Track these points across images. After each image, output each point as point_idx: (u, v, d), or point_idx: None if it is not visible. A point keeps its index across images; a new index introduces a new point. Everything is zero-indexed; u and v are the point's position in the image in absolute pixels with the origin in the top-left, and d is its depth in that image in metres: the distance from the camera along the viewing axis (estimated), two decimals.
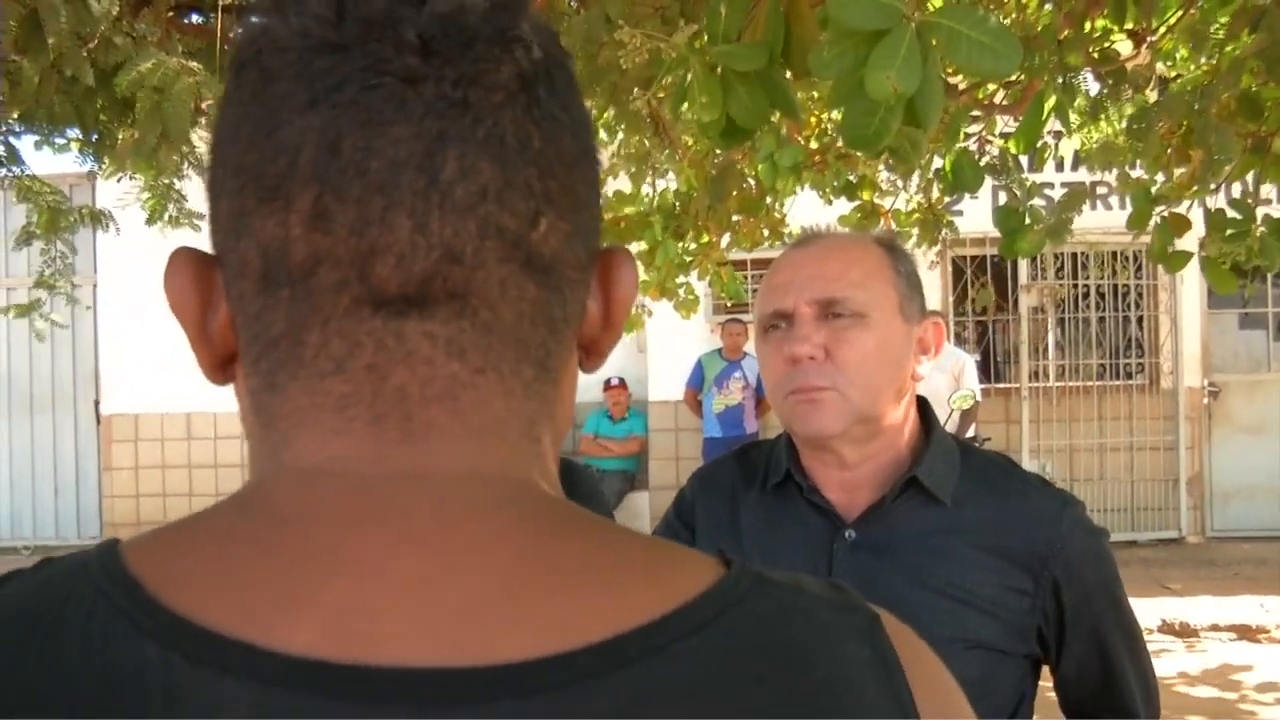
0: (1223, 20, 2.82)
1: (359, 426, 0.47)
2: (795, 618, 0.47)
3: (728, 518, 1.38)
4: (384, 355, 0.46)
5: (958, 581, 1.23)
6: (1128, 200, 3.09)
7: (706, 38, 1.46)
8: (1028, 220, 2.97)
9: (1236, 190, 3.63)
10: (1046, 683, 1.31)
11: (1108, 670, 1.28)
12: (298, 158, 0.45)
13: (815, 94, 3.60)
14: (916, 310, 1.30)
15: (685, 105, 1.42)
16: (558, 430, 0.52)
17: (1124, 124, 3.13)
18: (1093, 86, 3.22)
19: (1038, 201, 3.28)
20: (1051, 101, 2.57)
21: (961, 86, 3.27)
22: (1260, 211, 2.80)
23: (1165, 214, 2.96)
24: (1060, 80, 2.56)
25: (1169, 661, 5.63)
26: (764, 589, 0.48)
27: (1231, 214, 2.74)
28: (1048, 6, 2.97)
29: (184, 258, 0.51)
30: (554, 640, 0.42)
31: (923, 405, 1.35)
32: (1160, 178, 3.29)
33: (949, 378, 7.25)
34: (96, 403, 9.55)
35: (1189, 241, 3.00)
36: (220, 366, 0.52)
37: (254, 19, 0.48)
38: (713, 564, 0.49)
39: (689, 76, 1.40)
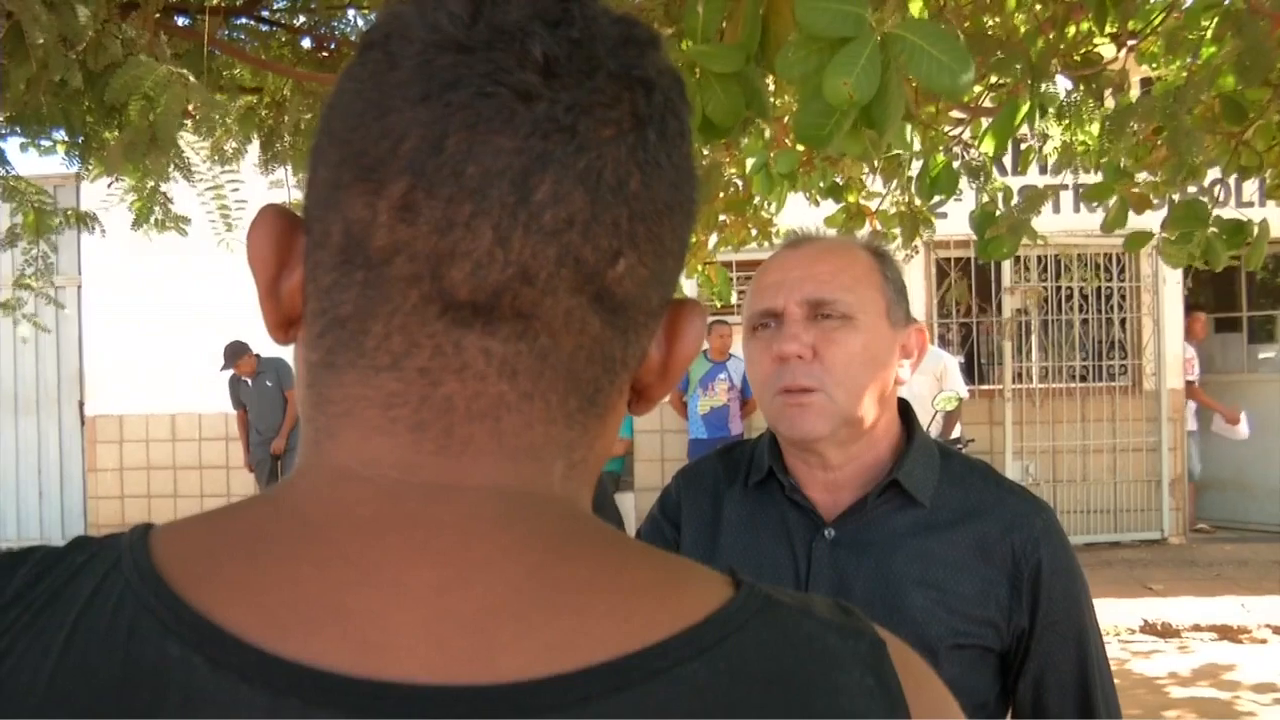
0: (1205, 24, 2.85)
1: (401, 429, 0.47)
2: (799, 643, 0.47)
3: (711, 514, 1.39)
4: (439, 361, 0.46)
5: (934, 580, 1.25)
6: (1099, 177, 3.13)
7: (685, 38, 1.47)
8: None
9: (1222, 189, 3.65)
10: None
11: (1083, 669, 1.29)
12: (400, 145, 0.45)
13: None
14: (902, 316, 1.33)
15: None
16: (597, 457, 0.53)
17: (1102, 125, 3.16)
18: (1073, 90, 3.25)
19: (1017, 203, 3.30)
20: (1025, 107, 2.60)
21: None
22: (1217, 212, 2.83)
23: (1129, 191, 2.99)
24: (1034, 87, 2.58)
25: (1151, 662, 5.67)
26: (771, 612, 0.47)
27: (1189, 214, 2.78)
28: (1029, 10, 2.99)
29: (271, 214, 0.51)
30: (557, 660, 0.42)
31: (904, 408, 1.37)
32: (1144, 177, 3.32)
33: (931, 379, 7.28)
34: (81, 404, 9.51)
35: (1151, 224, 3.05)
36: (284, 326, 0.52)
37: (393, 7, 0.49)
38: (723, 584, 0.48)
39: None
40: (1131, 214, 2.98)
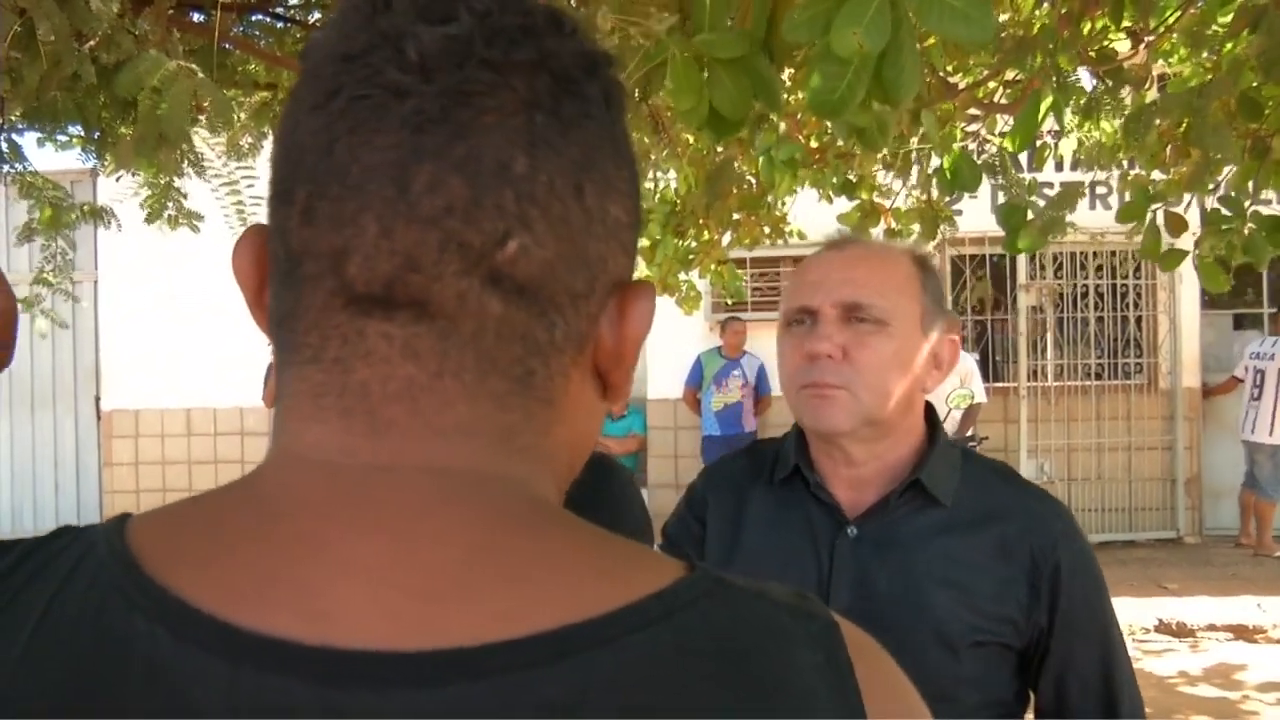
0: (1223, 20, 2.82)
1: (331, 416, 0.49)
2: (749, 621, 0.48)
3: (734, 510, 1.42)
4: (348, 350, 0.49)
5: (956, 580, 1.27)
6: (1127, 198, 3.08)
7: (694, 30, 1.45)
8: (1030, 216, 2.98)
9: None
10: None
11: (1107, 669, 1.31)
12: (303, 156, 0.48)
13: None
14: (936, 326, 1.35)
15: (662, 91, 1.41)
16: (558, 444, 0.53)
17: (1121, 123, 3.13)
18: (1089, 85, 3.22)
19: (1037, 200, 3.27)
20: (1048, 101, 2.58)
21: (961, 86, 3.27)
22: (1255, 208, 2.80)
23: (1160, 210, 2.96)
24: (1056, 80, 2.56)
25: (1166, 661, 5.64)
26: (723, 592, 0.48)
27: (1224, 211, 2.75)
28: (1045, 6, 2.97)
29: (251, 234, 0.54)
30: (504, 628, 0.44)
31: (929, 412, 1.40)
32: (1158, 175, 3.28)
33: (954, 378, 7.27)
34: (97, 398, 9.57)
35: (1184, 239, 3.01)
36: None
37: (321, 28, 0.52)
38: (675, 566, 0.50)
39: (668, 63, 1.39)
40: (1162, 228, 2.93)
